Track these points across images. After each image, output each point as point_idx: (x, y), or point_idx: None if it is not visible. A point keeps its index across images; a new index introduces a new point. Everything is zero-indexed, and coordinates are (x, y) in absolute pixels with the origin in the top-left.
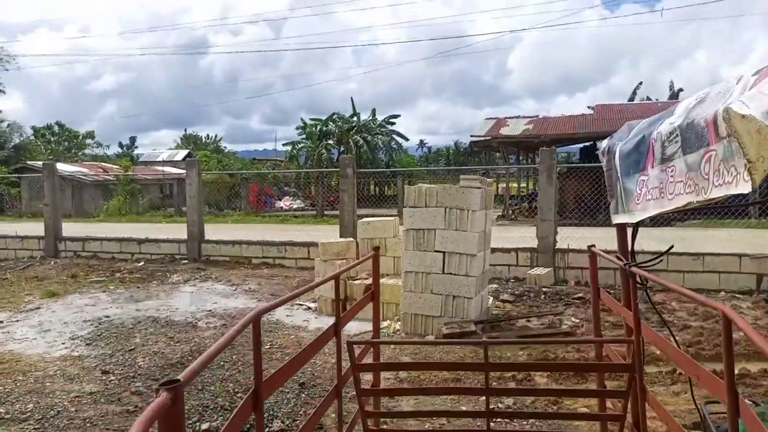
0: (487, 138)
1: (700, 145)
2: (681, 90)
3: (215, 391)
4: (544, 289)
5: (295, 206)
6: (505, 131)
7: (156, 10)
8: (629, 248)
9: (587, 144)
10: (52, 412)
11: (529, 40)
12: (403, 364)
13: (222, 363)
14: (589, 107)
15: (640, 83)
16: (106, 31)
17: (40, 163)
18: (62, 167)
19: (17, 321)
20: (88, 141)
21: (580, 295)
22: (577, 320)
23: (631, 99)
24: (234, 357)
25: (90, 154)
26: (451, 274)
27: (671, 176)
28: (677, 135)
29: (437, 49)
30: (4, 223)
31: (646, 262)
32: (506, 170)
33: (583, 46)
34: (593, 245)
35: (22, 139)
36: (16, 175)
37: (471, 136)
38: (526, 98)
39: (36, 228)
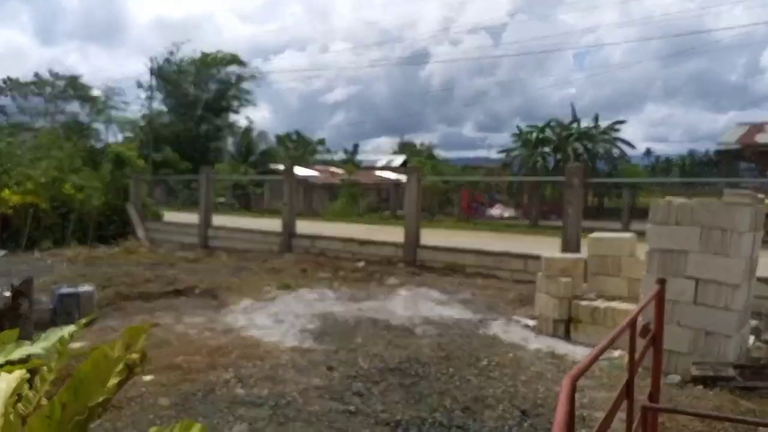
0: (738, 147)
1: None
2: None
3: (433, 405)
4: None
5: (506, 215)
6: (762, 138)
7: (384, 27)
8: None
9: None
10: (283, 400)
11: None
12: None
13: (439, 376)
14: None
15: None
16: (341, 48)
17: (281, 166)
18: (298, 170)
19: (258, 309)
20: (319, 147)
21: None
22: None
23: None
24: (451, 370)
25: (320, 159)
26: (705, 305)
27: None
28: None
29: (670, 48)
30: (250, 218)
31: None
32: (761, 184)
33: None
34: None
35: (267, 145)
36: (260, 177)
37: (717, 144)
38: None
39: (273, 224)
